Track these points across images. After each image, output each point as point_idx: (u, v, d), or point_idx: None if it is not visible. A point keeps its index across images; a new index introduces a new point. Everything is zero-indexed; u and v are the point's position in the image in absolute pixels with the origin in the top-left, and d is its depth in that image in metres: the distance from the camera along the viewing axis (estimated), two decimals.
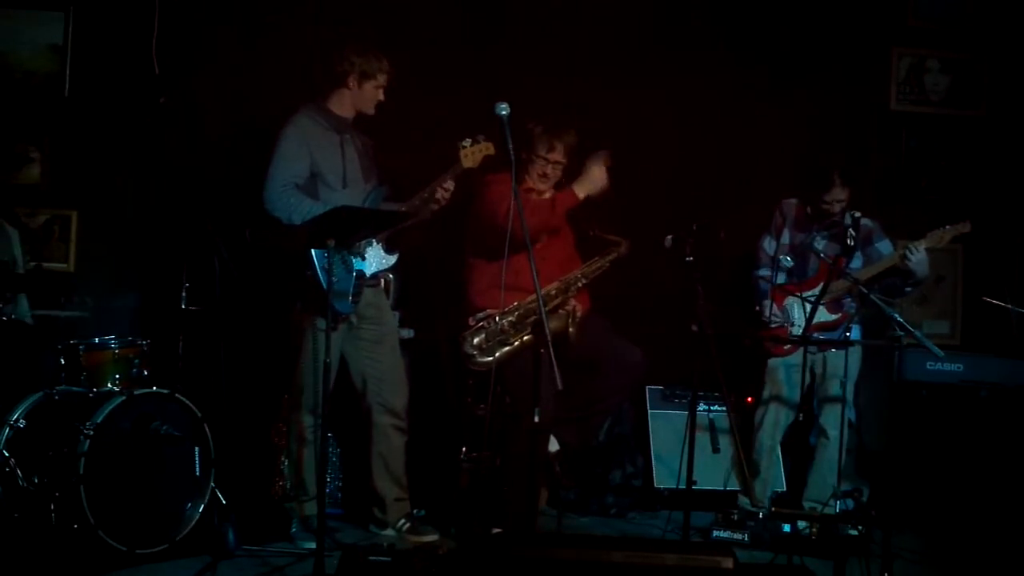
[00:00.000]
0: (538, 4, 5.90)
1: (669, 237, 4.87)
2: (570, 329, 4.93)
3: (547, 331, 4.21)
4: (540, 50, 5.88)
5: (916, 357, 5.11)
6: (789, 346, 5.36)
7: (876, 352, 5.43)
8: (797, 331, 5.29)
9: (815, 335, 5.19)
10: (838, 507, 5.03)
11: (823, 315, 5.30)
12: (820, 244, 5.35)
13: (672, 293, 5.38)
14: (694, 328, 4.72)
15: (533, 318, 4.93)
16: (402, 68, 4.92)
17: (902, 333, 4.44)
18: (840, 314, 5.31)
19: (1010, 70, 6.11)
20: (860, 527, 4.61)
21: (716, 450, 5.71)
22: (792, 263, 5.33)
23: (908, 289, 5.24)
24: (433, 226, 5.02)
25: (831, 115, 6.02)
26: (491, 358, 4.88)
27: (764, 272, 5.51)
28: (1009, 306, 5.13)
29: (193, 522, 4.51)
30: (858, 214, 4.94)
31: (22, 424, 4.41)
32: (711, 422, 5.77)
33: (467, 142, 4.76)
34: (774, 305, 5.35)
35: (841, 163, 5.31)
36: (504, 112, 4.33)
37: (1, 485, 4.33)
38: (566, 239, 5.26)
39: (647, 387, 5.83)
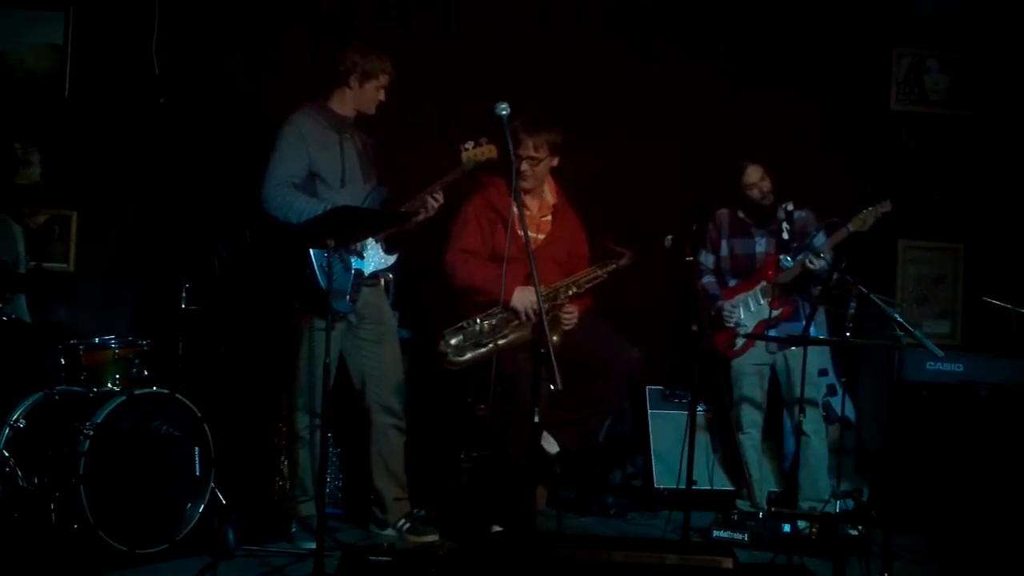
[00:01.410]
0: (538, 5, 5.90)
1: (669, 237, 4.87)
2: (553, 337, 4.88)
3: (547, 331, 4.21)
4: (540, 51, 5.88)
5: (916, 357, 5.12)
6: (739, 346, 5.39)
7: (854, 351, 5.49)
8: (744, 331, 5.35)
9: (768, 332, 5.25)
10: (838, 507, 5.03)
11: (767, 312, 5.35)
12: (762, 244, 5.40)
13: (672, 293, 5.39)
14: (694, 328, 4.72)
15: (515, 322, 4.94)
16: (402, 68, 4.93)
17: (902, 333, 4.44)
18: (782, 309, 5.33)
19: (1010, 70, 6.11)
20: (860, 527, 4.60)
21: (716, 450, 5.72)
22: (792, 263, 5.34)
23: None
24: (434, 226, 5.02)
25: (831, 115, 6.02)
26: (463, 359, 4.89)
27: (707, 280, 5.56)
28: (1009, 306, 5.13)
29: (193, 522, 4.51)
30: (791, 207, 4.97)
31: (22, 424, 4.41)
32: (711, 422, 5.77)
33: (469, 144, 4.77)
34: (734, 310, 5.39)
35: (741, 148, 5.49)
36: (504, 112, 4.32)
37: (1, 485, 4.33)
38: (569, 239, 5.24)
39: (647, 387, 5.83)
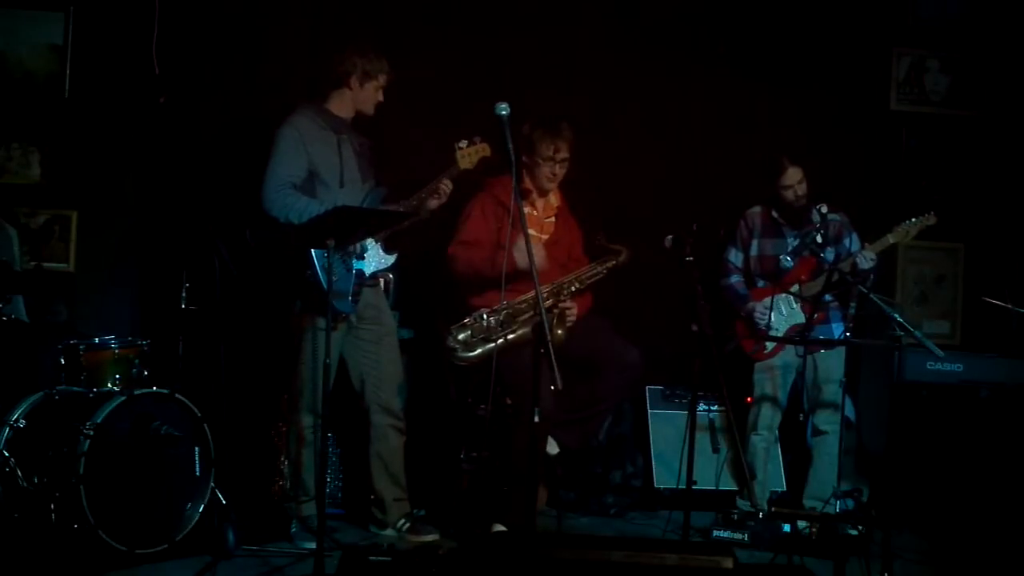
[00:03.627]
0: (538, 6, 5.90)
1: (669, 237, 4.86)
2: (558, 331, 4.90)
3: (547, 331, 4.21)
4: (540, 51, 5.88)
5: (916, 357, 5.11)
6: (769, 350, 5.38)
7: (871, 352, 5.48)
8: (775, 334, 5.32)
9: (796, 336, 5.23)
10: (838, 507, 5.03)
11: (799, 316, 5.33)
12: (793, 245, 5.38)
13: (672, 293, 5.39)
14: (694, 328, 4.72)
15: (523, 317, 4.93)
16: (401, 68, 4.93)
17: (902, 333, 4.43)
18: (816, 314, 5.32)
19: (1010, 70, 6.11)
20: (860, 527, 4.60)
21: (716, 450, 5.71)
22: (792, 264, 5.34)
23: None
24: (432, 226, 5.03)
25: (831, 115, 6.02)
26: (472, 354, 4.89)
27: (735, 279, 5.53)
28: (1009, 306, 5.13)
29: (193, 522, 4.51)
30: (824, 208, 4.96)
31: (22, 424, 4.41)
32: (711, 422, 5.77)
33: (463, 143, 4.79)
34: (767, 311, 5.37)
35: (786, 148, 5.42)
36: (504, 112, 4.33)
37: (1, 485, 4.33)
38: (569, 241, 5.25)
39: (647, 387, 5.83)
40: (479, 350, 4.90)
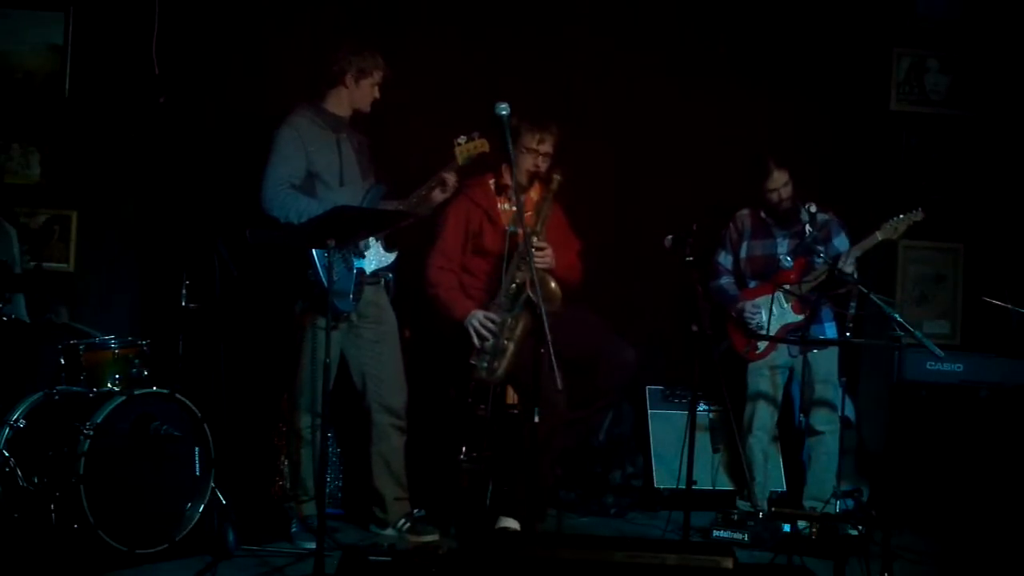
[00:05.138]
0: (538, 6, 5.90)
1: (669, 237, 4.86)
2: (551, 285, 4.75)
3: (547, 332, 4.21)
4: (540, 51, 5.88)
5: (916, 357, 5.11)
6: (761, 350, 5.38)
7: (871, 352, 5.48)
8: (766, 334, 5.31)
9: (793, 336, 5.23)
10: (838, 507, 5.03)
11: (790, 316, 5.33)
12: (783, 245, 5.38)
13: (672, 293, 5.39)
14: (694, 328, 4.72)
15: (519, 300, 4.88)
16: (401, 66, 4.93)
17: (902, 333, 4.43)
18: (806, 313, 5.33)
19: (1010, 70, 6.11)
20: (860, 527, 4.61)
21: (716, 450, 5.72)
22: (792, 264, 5.34)
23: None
24: (431, 224, 5.03)
25: (831, 115, 6.02)
26: (500, 372, 4.87)
27: (725, 281, 5.53)
28: (1009, 306, 5.13)
29: (193, 522, 4.51)
30: (814, 208, 4.96)
31: (22, 424, 4.41)
32: (711, 422, 5.77)
33: (462, 139, 4.82)
34: (758, 310, 5.36)
35: (771, 149, 5.42)
36: (504, 112, 4.33)
37: (1, 485, 4.33)
38: (554, 232, 5.19)
39: (647, 387, 5.83)
40: (502, 367, 4.86)
